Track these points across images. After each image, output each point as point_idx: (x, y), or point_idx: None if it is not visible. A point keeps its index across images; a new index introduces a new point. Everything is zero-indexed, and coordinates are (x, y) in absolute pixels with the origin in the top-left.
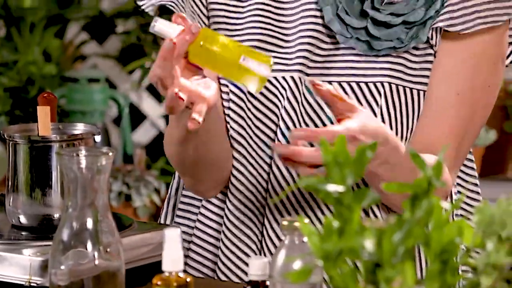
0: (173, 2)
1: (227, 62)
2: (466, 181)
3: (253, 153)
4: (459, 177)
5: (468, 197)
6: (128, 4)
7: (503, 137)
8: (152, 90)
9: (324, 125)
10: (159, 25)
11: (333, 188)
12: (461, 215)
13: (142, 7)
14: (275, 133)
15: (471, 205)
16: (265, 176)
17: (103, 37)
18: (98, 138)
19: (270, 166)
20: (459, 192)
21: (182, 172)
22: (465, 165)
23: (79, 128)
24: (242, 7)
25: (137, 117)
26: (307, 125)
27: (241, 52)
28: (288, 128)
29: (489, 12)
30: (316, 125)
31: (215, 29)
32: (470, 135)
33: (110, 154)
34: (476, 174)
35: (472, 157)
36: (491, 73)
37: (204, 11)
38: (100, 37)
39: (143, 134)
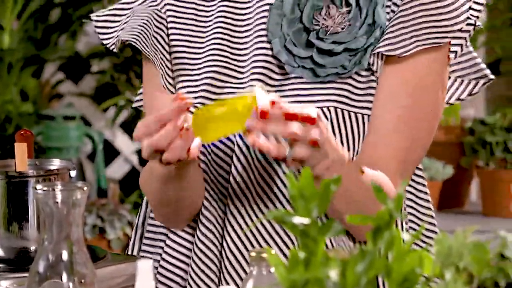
0: (136, 39)
1: (231, 121)
2: (423, 213)
3: (212, 185)
4: (414, 209)
5: (426, 229)
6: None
7: (459, 172)
8: (126, 127)
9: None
10: None
11: (299, 220)
12: (417, 245)
13: (106, 45)
14: (231, 158)
15: (429, 236)
16: (222, 209)
17: (79, 77)
18: (73, 173)
19: (226, 198)
20: (413, 222)
21: (159, 211)
22: (420, 198)
23: (55, 163)
24: (202, 42)
25: (111, 153)
26: (260, 150)
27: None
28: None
29: (427, 35)
30: (265, 180)
31: (175, 64)
32: (413, 158)
33: (85, 188)
34: (431, 206)
35: (427, 190)
36: (432, 97)
37: (166, 47)
38: (75, 76)
39: (117, 169)
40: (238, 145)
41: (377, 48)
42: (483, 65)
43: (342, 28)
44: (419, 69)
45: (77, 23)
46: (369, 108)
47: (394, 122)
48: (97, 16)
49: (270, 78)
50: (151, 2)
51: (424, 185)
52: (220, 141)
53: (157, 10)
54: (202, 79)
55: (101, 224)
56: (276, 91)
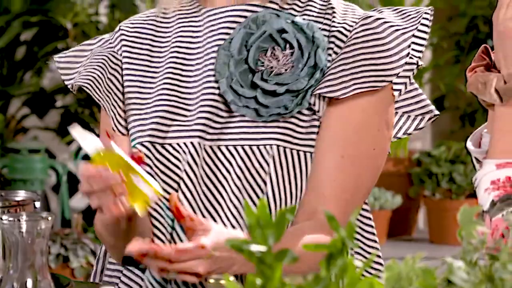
0: (88, 83)
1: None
2: (368, 246)
3: (158, 217)
4: (360, 241)
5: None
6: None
7: (408, 202)
8: (89, 160)
9: (221, 184)
10: (75, 133)
11: (256, 248)
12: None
13: (68, 85)
14: (179, 184)
15: (375, 268)
16: (168, 238)
17: (44, 111)
18: (38, 204)
19: (172, 228)
20: (358, 254)
21: (110, 247)
22: (366, 231)
23: (20, 195)
24: (154, 82)
25: (75, 184)
26: (206, 186)
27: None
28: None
29: (366, 78)
30: (214, 186)
31: (128, 104)
32: (357, 197)
33: (49, 218)
34: (376, 238)
35: (373, 223)
36: (375, 136)
37: (120, 88)
38: (40, 111)
39: (80, 200)
40: (184, 181)
41: (317, 89)
42: (428, 102)
43: (286, 70)
44: (361, 110)
45: (42, 60)
46: (312, 146)
47: (337, 162)
48: (59, 57)
49: (217, 115)
50: (109, 43)
51: (369, 218)
52: (165, 182)
53: (114, 51)
54: (151, 117)
55: (65, 253)
56: (221, 127)
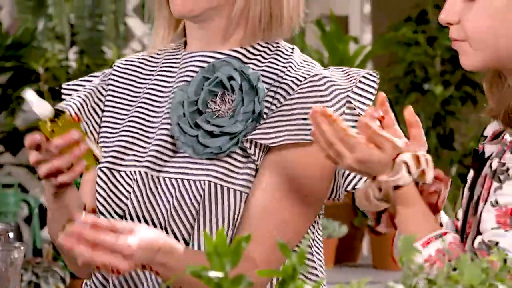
0: (68, 109)
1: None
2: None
3: None
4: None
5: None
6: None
7: (353, 231)
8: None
9: (161, 212)
10: (29, 97)
11: (214, 274)
12: None
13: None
14: (124, 211)
15: None
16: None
17: (17, 149)
18: (11, 235)
19: None
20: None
21: (60, 250)
22: (311, 260)
23: None
24: (127, 114)
25: (45, 216)
26: (148, 212)
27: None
28: None
29: (299, 131)
30: (155, 212)
31: (100, 132)
32: (287, 238)
33: (22, 248)
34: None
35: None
36: (307, 186)
37: (98, 120)
38: (14, 149)
39: None
40: (132, 204)
41: (251, 135)
42: None
43: (229, 113)
44: (295, 160)
45: (15, 102)
46: (246, 186)
47: (269, 207)
48: (66, 85)
49: (166, 149)
50: (104, 77)
51: (321, 253)
52: (113, 201)
53: (104, 85)
54: (114, 146)
55: (36, 280)
56: (169, 161)
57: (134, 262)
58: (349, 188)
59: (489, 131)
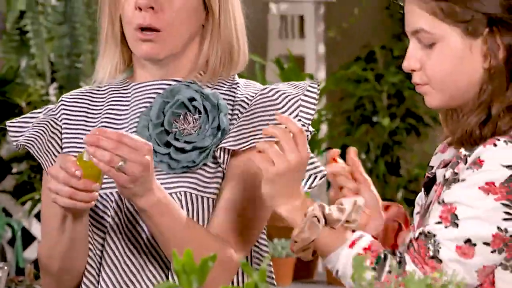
0: (31, 144)
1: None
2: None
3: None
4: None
5: None
6: (22, 151)
7: None
8: (40, 218)
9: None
10: None
11: None
12: None
13: (16, 146)
14: (105, 233)
15: None
16: (96, 277)
17: (2, 177)
18: None
19: (98, 269)
20: None
21: (48, 272)
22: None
23: None
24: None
25: (28, 238)
26: (129, 229)
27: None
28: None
29: (261, 133)
30: (135, 229)
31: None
32: (251, 232)
33: (5, 268)
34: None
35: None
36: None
37: (59, 149)
38: None
39: (32, 252)
40: (110, 224)
41: (221, 144)
42: (319, 163)
43: (194, 131)
44: (253, 166)
45: (0, 134)
46: (215, 193)
47: (233, 204)
48: (10, 122)
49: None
50: (52, 112)
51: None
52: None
53: (55, 118)
54: None
55: None
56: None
57: (150, 163)
58: (304, 188)
59: (435, 162)
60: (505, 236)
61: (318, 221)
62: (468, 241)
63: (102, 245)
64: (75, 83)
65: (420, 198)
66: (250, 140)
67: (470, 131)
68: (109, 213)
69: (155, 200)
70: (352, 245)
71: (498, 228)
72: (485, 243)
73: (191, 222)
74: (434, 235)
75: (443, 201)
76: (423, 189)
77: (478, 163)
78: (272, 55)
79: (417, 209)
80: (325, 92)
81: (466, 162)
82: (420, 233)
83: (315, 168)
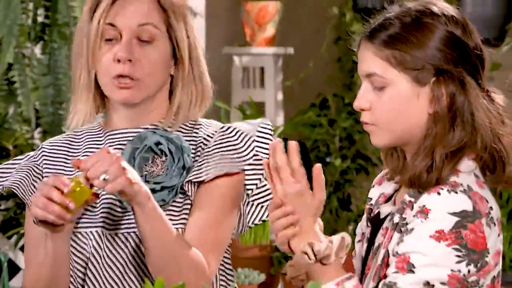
0: (16, 186)
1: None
2: None
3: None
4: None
5: None
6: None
7: (269, 278)
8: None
9: (119, 263)
10: None
11: None
12: None
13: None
14: (85, 268)
15: None
16: None
17: None
18: None
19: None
20: None
21: None
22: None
23: None
24: None
25: (13, 269)
26: (109, 265)
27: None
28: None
29: (223, 166)
30: (116, 263)
31: None
32: (217, 249)
33: None
34: None
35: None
36: (227, 210)
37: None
38: None
39: (18, 281)
40: (90, 260)
41: (188, 177)
42: None
43: (163, 172)
44: (219, 190)
45: None
46: (184, 223)
47: (201, 227)
48: None
49: (114, 210)
50: (34, 158)
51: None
52: (74, 247)
53: (37, 164)
54: None
55: None
56: (119, 219)
57: (126, 172)
58: (256, 221)
59: (373, 194)
60: (459, 276)
61: (309, 258)
62: (427, 283)
63: (83, 280)
64: (58, 128)
65: (361, 227)
66: (213, 171)
67: (419, 175)
68: (88, 249)
69: (148, 192)
70: (337, 284)
71: (452, 270)
72: (442, 283)
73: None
74: (395, 283)
75: (397, 253)
76: (365, 219)
77: (425, 212)
78: (235, 102)
79: (357, 238)
80: (283, 136)
81: (412, 207)
82: (383, 285)
83: (272, 199)
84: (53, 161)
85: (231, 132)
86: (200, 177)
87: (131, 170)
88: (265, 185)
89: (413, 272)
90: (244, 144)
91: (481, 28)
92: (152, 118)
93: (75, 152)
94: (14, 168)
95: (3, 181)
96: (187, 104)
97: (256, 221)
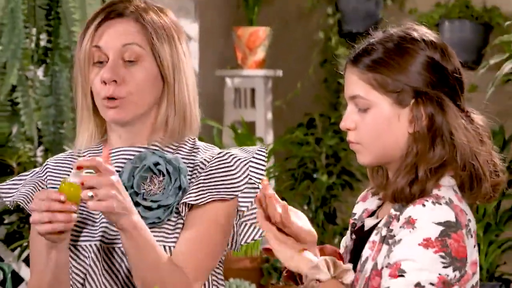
0: (23, 200)
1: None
2: None
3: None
4: None
5: None
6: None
7: None
8: (27, 262)
9: (118, 272)
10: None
11: None
12: None
13: (7, 204)
14: (84, 280)
15: None
16: None
17: None
18: None
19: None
20: None
21: None
22: None
23: None
24: None
25: (17, 280)
26: (105, 278)
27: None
28: None
29: (218, 191)
30: (113, 276)
31: None
32: (204, 267)
33: None
34: None
35: None
36: (219, 233)
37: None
38: None
39: None
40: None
41: (184, 199)
42: None
43: (160, 191)
44: (212, 212)
45: None
46: (175, 242)
47: (192, 242)
48: (1, 185)
49: (113, 225)
50: (39, 174)
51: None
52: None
53: (42, 179)
54: None
55: None
56: (116, 235)
57: (112, 200)
58: (249, 240)
59: (357, 209)
60: (448, 279)
61: (328, 268)
62: (418, 284)
63: None
64: (59, 146)
65: (345, 240)
66: (208, 196)
67: (401, 190)
68: (87, 262)
69: (135, 221)
70: None
71: (440, 274)
72: (431, 284)
73: (159, 247)
74: (388, 287)
75: (389, 263)
76: (350, 233)
77: (411, 222)
78: (227, 122)
79: (342, 250)
80: (273, 153)
81: (398, 219)
82: None
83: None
84: (56, 176)
85: (227, 158)
86: (195, 199)
87: (120, 197)
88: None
89: (404, 276)
90: (240, 171)
91: (459, 52)
92: (148, 137)
93: None
94: (21, 183)
95: (11, 195)
96: (175, 120)
97: (248, 240)
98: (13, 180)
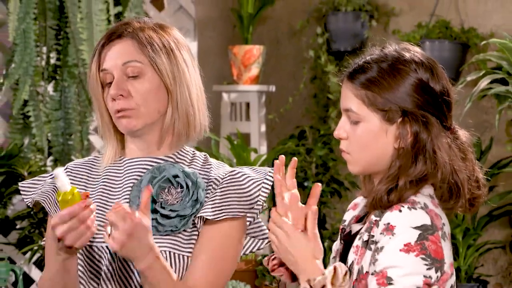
0: (44, 199)
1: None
2: None
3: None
4: None
5: None
6: (24, 210)
7: None
8: (38, 264)
9: (132, 272)
10: (58, 173)
11: None
12: None
13: (27, 202)
14: (99, 279)
15: None
16: None
17: (7, 232)
18: None
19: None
20: None
21: None
22: None
23: None
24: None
25: (28, 282)
26: (120, 278)
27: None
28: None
29: (233, 208)
30: (126, 279)
31: None
32: (219, 283)
33: None
34: None
35: None
36: (231, 248)
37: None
38: (5, 232)
39: None
40: (104, 272)
41: (199, 213)
42: (267, 230)
43: (177, 202)
44: (226, 229)
45: (7, 197)
46: (191, 251)
47: (206, 261)
48: (22, 183)
49: None
50: None
51: None
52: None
53: None
54: None
55: None
56: None
57: (133, 236)
58: (246, 252)
59: (347, 216)
60: (431, 282)
61: (345, 275)
62: None
63: None
64: (67, 156)
65: (336, 245)
66: (222, 213)
67: (380, 198)
68: (103, 262)
69: (150, 262)
70: None
71: (424, 276)
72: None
73: (172, 279)
74: None
75: (375, 271)
76: (339, 238)
77: (390, 228)
78: (224, 133)
79: (333, 254)
80: (266, 163)
81: (378, 225)
82: None
83: (263, 234)
84: (75, 178)
85: (240, 176)
86: (211, 215)
87: (134, 243)
88: (258, 221)
89: (392, 284)
90: (252, 189)
91: None
92: (158, 143)
93: (96, 175)
94: (40, 183)
95: (32, 193)
96: (177, 126)
97: (247, 252)
98: (33, 180)
